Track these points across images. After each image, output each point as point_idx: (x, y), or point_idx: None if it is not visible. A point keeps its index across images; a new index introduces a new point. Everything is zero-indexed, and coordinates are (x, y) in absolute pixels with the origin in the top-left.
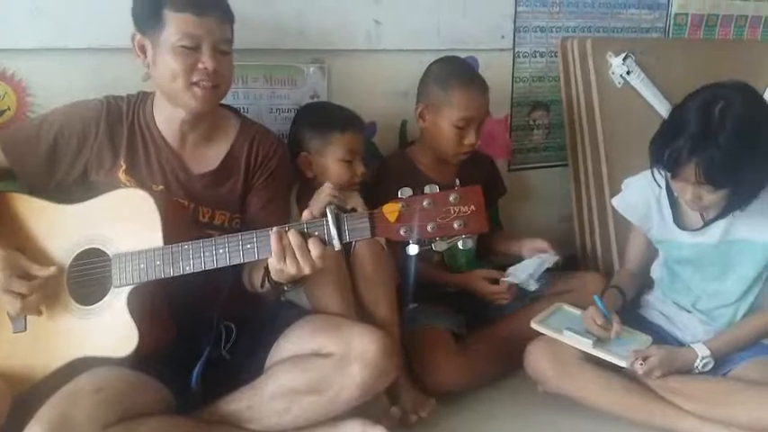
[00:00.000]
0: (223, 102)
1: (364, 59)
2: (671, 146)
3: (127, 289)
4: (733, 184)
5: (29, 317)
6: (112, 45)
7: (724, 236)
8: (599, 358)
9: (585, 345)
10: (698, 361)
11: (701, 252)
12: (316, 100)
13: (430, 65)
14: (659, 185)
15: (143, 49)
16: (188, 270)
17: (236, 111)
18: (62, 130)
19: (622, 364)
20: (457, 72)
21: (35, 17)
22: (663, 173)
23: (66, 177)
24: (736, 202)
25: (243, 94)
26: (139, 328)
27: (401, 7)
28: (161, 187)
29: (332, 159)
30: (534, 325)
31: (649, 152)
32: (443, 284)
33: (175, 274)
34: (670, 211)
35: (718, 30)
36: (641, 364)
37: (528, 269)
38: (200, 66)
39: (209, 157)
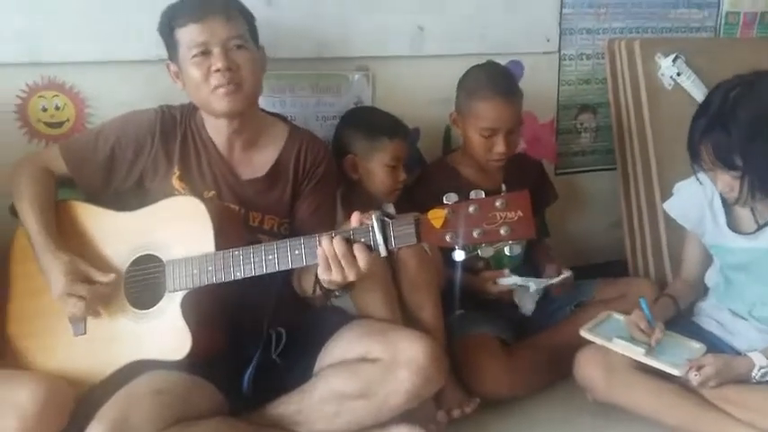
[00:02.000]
0: (272, 110)
1: (408, 66)
2: (691, 128)
3: (180, 294)
4: (744, 165)
5: (88, 321)
6: (166, 57)
7: None
8: (651, 367)
9: (637, 353)
10: (755, 370)
11: (755, 257)
12: (363, 105)
13: (465, 72)
14: (701, 182)
15: (177, 75)
16: (239, 275)
17: (284, 118)
18: (119, 139)
19: (676, 372)
20: (483, 81)
21: (92, 30)
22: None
23: (122, 185)
24: (756, 184)
25: (290, 103)
26: (193, 333)
27: (444, 13)
28: (213, 193)
29: (378, 164)
30: (583, 333)
31: (689, 153)
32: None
33: (227, 280)
34: (723, 214)
35: None
36: (696, 374)
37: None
38: (213, 68)
39: (259, 163)
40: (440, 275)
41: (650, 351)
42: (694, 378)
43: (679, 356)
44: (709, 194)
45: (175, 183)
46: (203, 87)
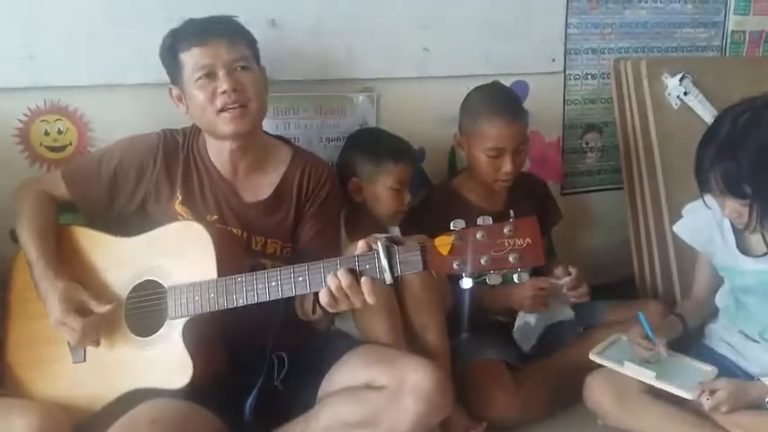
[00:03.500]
0: (275, 132)
1: (413, 87)
2: (699, 157)
3: (182, 321)
4: (753, 194)
5: (88, 348)
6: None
7: None
8: (663, 391)
9: (648, 376)
10: None
11: (765, 279)
12: (368, 127)
13: (467, 93)
14: (708, 206)
15: (180, 99)
16: (241, 303)
17: (287, 141)
18: (121, 162)
19: (688, 396)
20: (486, 101)
21: (94, 54)
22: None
23: (125, 209)
24: (766, 212)
25: (294, 124)
26: (194, 360)
27: (449, 34)
28: (215, 217)
29: (382, 187)
30: (593, 356)
31: (696, 179)
32: (491, 305)
33: (229, 307)
34: (733, 236)
35: None
36: (708, 399)
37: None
38: (219, 90)
39: (262, 186)
40: (446, 297)
41: (661, 375)
42: (706, 402)
43: (691, 380)
44: (719, 217)
45: (178, 207)
46: (209, 109)
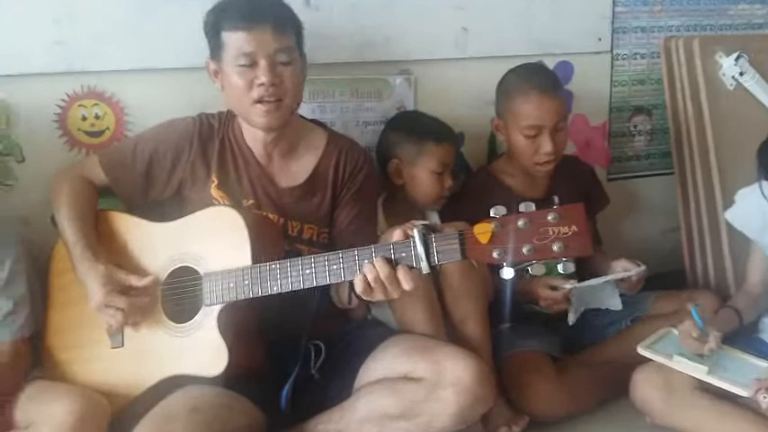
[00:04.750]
0: (312, 116)
1: (452, 68)
2: None
3: (217, 308)
4: None
5: (125, 333)
6: (204, 65)
7: None
8: (715, 387)
9: (700, 371)
10: None
11: None
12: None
13: (502, 76)
14: (766, 197)
15: (216, 74)
16: (275, 290)
17: (323, 125)
18: (157, 148)
19: (743, 393)
20: (520, 78)
21: (130, 39)
22: None
23: (161, 194)
24: None
25: (330, 108)
26: (229, 348)
27: (489, 13)
28: (251, 202)
29: (423, 169)
30: (641, 350)
31: (758, 161)
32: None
33: (263, 294)
34: None
35: None
36: (765, 396)
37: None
38: (257, 81)
39: (297, 171)
40: (487, 287)
41: (714, 370)
42: (763, 400)
43: (745, 376)
44: None
45: (214, 192)
46: (244, 98)
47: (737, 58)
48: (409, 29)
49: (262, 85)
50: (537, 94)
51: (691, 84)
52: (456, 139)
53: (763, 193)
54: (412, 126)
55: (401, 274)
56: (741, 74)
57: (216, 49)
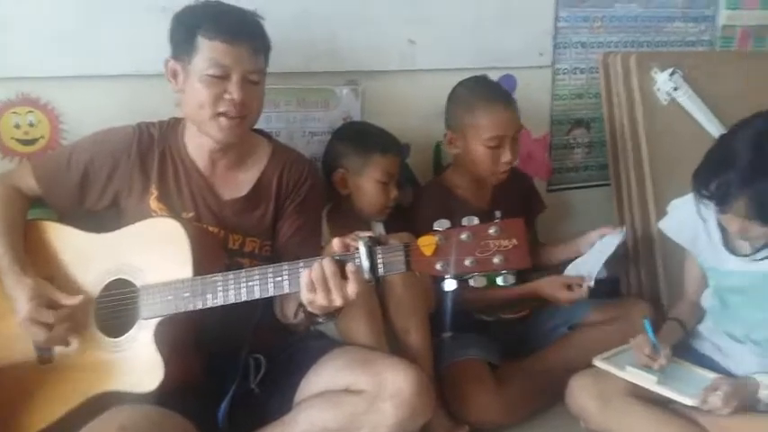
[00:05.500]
0: (258, 126)
1: (399, 80)
2: (719, 178)
3: (154, 321)
4: None
5: (55, 348)
6: (144, 72)
7: None
8: (655, 394)
9: (649, 381)
10: (762, 390)
11: (751, 279)
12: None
13: (452, 89)
14: (703, 219)
15: (175, 75)
16: (216, 303)
17: (268, 135)
18: (93, 158)
19: (690, 402)
20: (479, 91)
21: (67, 45)
22: (708, 204)
23: (96, 205)
24: None
25: (275, 118)
26: (166, 363)
27: (436, 26)
28: (191, 214)
29: (369, 180)
30: (597, 362)
31: (693, 183)
32: (507, 302)
33: (203, 307)
34: (719, 234)
35: None
36: (716, 395)
37: (589, 261)
38: (226, 96)
39: (240, 183)
40: (429, 297)
41: (662, 380)
42: (715, 400)
43: (692, 386)
44: (705, 214)
45: (153, 203)
46: (207, 109)
47: (672, 74)
48: (357, 40)
49: (231, 100)
50: (499, 105)
51: (627, 98)
52: (402, 150)
53: (698, 212)
54: (358, 137)
55: (350, 272)
56: (675, 89)
57: (185, 51)
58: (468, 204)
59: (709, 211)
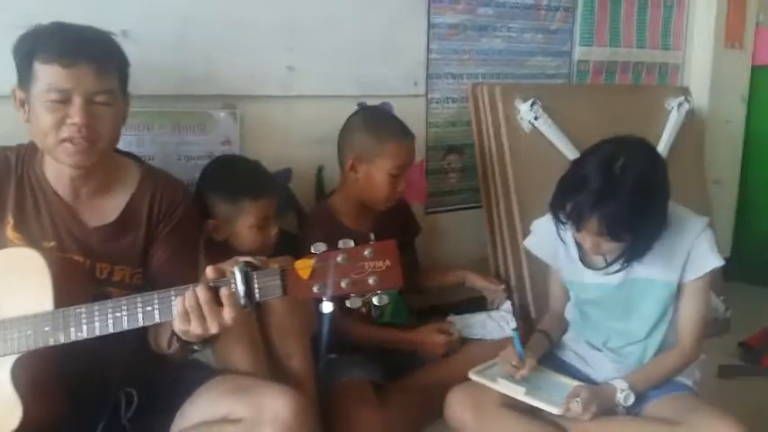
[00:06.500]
0: (128, 149)
1: (278, 105)
2: (573, 200)
3: (11, 358)
4: (632, 237)
5: None
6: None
7: (626, 276)
8: (528, 405)
9: (518, 392)
10: (618, 393)
11: (605, 292)
12: (225, 154)
13: (354, 116)
14: (562, 238)
15: (22, 103)
16: (81, 336)
17: (138, 159)
18: None
19: (554, 411)
20: (389, 123)
21: None
22: (566, 225)
23: None
24: (634, 252)
25: (149, 141)
26: (24, 402)
27: (315, 54)
28: (53, 244)
29: (243, 226)
30: (472, 375)
31: (550, 206)
32: (390, 344)
33: (66, 341)
34: (576, 250)
35: (618, 75)
36: (576, 402)
37: (482, 323)
38: (68, 121)
39: (107, 210)
40: (311, 321)
41: (530, 390)
42: (576, 407)
43: (558, 394)
44: (563, 234)
45: (9, 233)
46: (51, 134)
47: (532, 105)
48: (235, 64)
49: (74, 124)
50: (407, 138)
51: (494, 126)
52: (275, 188)
53: (558, 234)
54: (226, 182)
55: (225, 299)
56: (536, 118)
57: (25, 78)
58: (351, 230)
59: (567, 229)
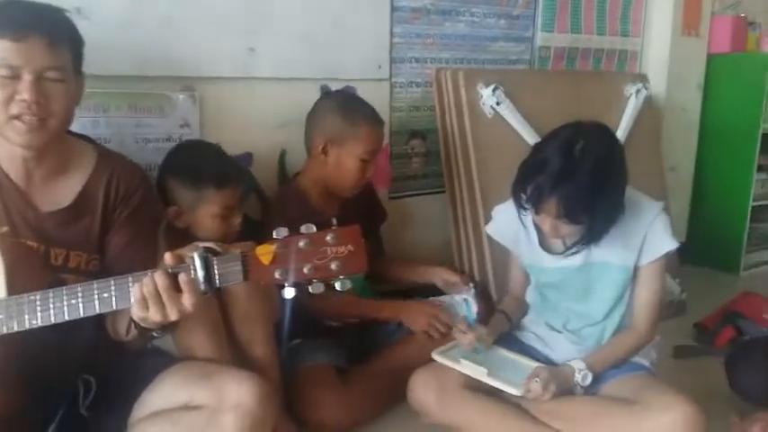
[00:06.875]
0: (83, 132)
1: (238, 87)
2: (533, 182)
3: None
4: (589, 220)
5: None
6: None
7: (584, 259)
8: (494, 387)
9: (480, 373)
10: (576, 374)
11: (565, 275)
12: (188, 140)
13: (326, 99)
14: (523, 222)
15: None
16: (35, 324)
17: (93, 141)
18: None
19: (515, 392)
20: (360, 108)
21: None
22: (527, 208)
23: None
24: (592, 235)
25: (104, 123)
26: None
27: (277, 36)
28: (5, 228)
29: (205, 215)
30: (435, 356)
31: (512, 190)
32: (375, 313)
33: (21, 329)
34: (536, 235)
35: (578, 61)
36: (529, 391)
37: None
38: (17, 97)
39: (61, 194)
40: (274, 307)
41: (492, 372)
42: (536, 387)
43: (518, 376)
44: (524, 218)
45: None
46: (1, 112)
47: (494, 90)
48: (194, 45)
49: (23, 101)
50: (378, 125)
51: (457, 111)
52: (241, 176)
53: (520, 218)
54: (189, 169)
55: (184, 284)
56: (498, 104)
57: None
58: (319, 214)
59: (527, 214)
